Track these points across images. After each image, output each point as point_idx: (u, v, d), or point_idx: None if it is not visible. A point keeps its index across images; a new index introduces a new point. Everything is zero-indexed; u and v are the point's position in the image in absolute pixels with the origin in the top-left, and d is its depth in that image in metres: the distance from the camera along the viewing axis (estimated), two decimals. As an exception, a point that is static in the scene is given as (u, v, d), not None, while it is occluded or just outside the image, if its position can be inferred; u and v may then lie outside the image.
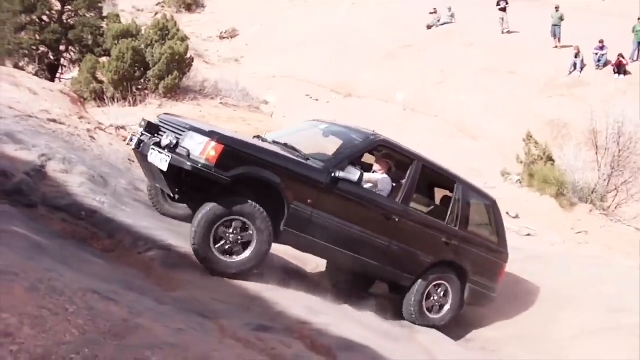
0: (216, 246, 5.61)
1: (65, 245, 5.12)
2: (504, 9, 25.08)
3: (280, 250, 7.05)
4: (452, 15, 26.42)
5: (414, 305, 6.86)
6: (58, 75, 21.19)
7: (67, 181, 6.47)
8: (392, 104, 22.50)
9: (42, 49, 20.76)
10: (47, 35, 20.37)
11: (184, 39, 19.43)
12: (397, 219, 6.50)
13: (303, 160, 6.04)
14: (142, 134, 6.16)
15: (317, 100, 23.12)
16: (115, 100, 17.15)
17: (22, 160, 6.33)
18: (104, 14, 21.57)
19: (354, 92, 23.98)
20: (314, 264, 8.34)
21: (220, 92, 19.80)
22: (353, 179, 6.00)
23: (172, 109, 16.55)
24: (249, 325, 4.65)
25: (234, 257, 5.71)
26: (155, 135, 6.02)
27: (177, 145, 5.61)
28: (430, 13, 26.38)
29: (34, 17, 20.61)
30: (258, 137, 6.88)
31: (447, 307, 7.08)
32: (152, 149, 5.72)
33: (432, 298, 6.98)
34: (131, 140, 6.26)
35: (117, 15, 21.75)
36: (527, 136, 18.19)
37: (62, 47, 21.19)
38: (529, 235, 14.21)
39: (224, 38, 28.14)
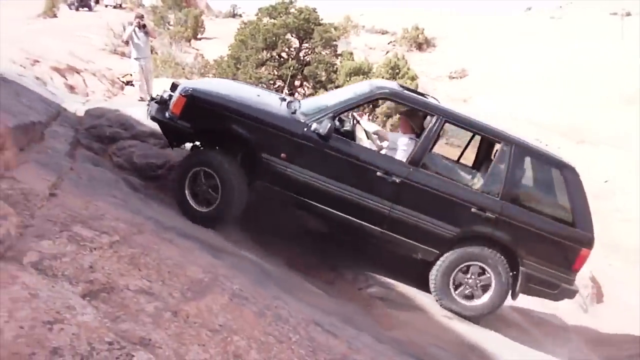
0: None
1: (291, 275, 5.35)
2: None
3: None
4: None
5: (437, 284, 5.76)
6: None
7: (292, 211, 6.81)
8: (631, 153, 20.54)
9: (279, 83, 22.34)
10: (285, 71, 21.93)
11: (414, 77, 19.74)
12: (398, 181, 5.57)
13: (283, 114, 5.69)
14: (168, 93, 6.19)
15: (547, 145, 21.96)
16: (344, 136, 17.87)
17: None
18: (339, 52, 22.67)
19: (587, 137, 22.36)
20: (536, 318, 7.86)
21: (446, 132, 19.71)
22: (321, 132, 5.43)
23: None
24: (466, 375, 4.46)
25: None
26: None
27: (168, 100, 5.87)
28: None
29: (274, 54, 22.32)
30: (283, 99, 6.34)
31: (487, 294, 5.79)
32: (149, 103, 6.03)
33: (464, 280, 5.80)
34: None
35: (351, 53, 22.76)
36: None
37: (297, 82, 22.61)
38: None
39: (454, 77, 28.06)
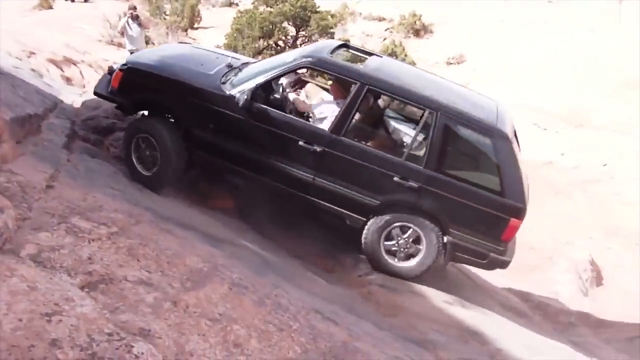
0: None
1: (291, 262, 5.35)
2: None
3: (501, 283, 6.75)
4: None
5: (369, 245, 5.67)
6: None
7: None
8: (631, 138, 20.48)
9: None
10: (281, 59, 21.76)
11: (411, 64, 19.67)
12: (319, 150, 5.51)
13: (210, 85, 5.73)
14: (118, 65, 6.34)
15: (545, 129, 21.91)
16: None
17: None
18: (336, 39, 22.58)
19: (586, 122, 22.29)
20: (535, 302, 7.89)
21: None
22: (240, 104, 5.51)
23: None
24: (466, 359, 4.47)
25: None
26: None
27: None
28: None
29: (271, 42, 22.18)
30: (230, 66, 6.23)
31: (418, 257, 5.62)
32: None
33: (396, 241, 5.65)
34: None
35: (348, 41, 22.68)
36: None
37: (294, 70, 22.47)
38: None
39: (451, 63, 27.92)
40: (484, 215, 5.49)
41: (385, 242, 5.66)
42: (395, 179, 5.49)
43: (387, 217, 5.60)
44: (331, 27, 22.67)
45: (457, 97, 5.94)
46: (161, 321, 2.96)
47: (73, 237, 3.44)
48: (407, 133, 5.92)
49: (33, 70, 9.38)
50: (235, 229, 5.58)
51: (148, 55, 6.48)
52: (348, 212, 5.67)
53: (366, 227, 5.66)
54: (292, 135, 5.57)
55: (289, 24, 22.41)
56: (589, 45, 25.86)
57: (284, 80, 6.16)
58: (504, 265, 5.74)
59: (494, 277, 8.34)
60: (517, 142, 5.99)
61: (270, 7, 22.34)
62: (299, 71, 6.25)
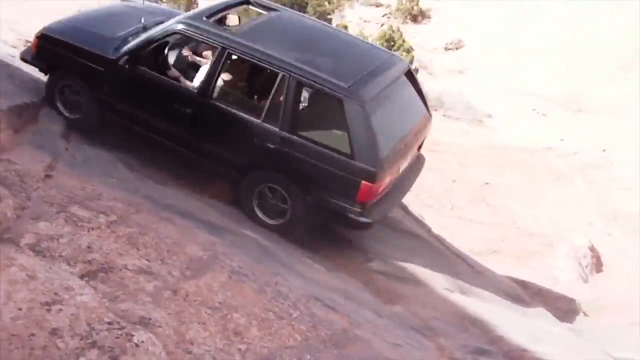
0: None
1: (291, 251, 5.34)
2: None
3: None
4: None
5: (243, 201, 5.84)
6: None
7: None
8: (631, 122, 20.44)
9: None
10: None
11: (409, 50, 19.58)
12: (189, 111, 5.77)
13: (103, 49, 6.00)
14: None
15: (544, 115, 21.85)
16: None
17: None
18: (333, 25, 22.49)
19: (584, 106, 22.21)
20: (535, 288, 7.89)
21: (443, 104, 19.59)
22: (120, 63, 5.87)
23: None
24: (467, 347, 4.46)
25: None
26: None
27: None
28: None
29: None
30: (144, 27, 6.34)
31: (287, 216, 5.67)
32: None
33: (267, 200, 5.76)
34: None
35: (345, 27, 22.55)
36: None
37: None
38: None
39: (449, 49, 27.79)
40: (336, 178, 5.50)
41: (258, 200, 5.78)
42: (255, 140, 5.63)
43: (256, 176, 5.76)
44: (328, 13, 22.59)
45: (333, 54, 6.08)
46: (161, 310, 2.95)
47: (72, 226, 3.42)
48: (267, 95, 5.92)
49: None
50: (234, 218, 5.57)
51: (67, 20, 6.67)
52: (222, 169, 5.90)
53: (241, 185, 5.82)
54: (168, 97, 5.85)
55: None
56: (587, 29, 25.76)
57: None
58: (365, 226, 5.67)
59: (494, 264, 8.35)
60: (423, 102, 6.44)
61: (270, -4, 22.17)
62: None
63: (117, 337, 2.54)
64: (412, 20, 31.09)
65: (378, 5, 31.82)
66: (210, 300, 3.24)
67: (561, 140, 17.06)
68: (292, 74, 5.52)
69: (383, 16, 31.51)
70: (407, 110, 6.32)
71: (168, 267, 3.42)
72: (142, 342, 2.58)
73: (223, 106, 5.73)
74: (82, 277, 2.95)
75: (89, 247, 3.26)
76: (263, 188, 5.73)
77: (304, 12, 21.90)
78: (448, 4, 31.90)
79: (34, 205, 3.55)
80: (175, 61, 6.33)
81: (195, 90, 5.80)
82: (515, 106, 21.79)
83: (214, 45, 5.80)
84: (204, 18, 6.02)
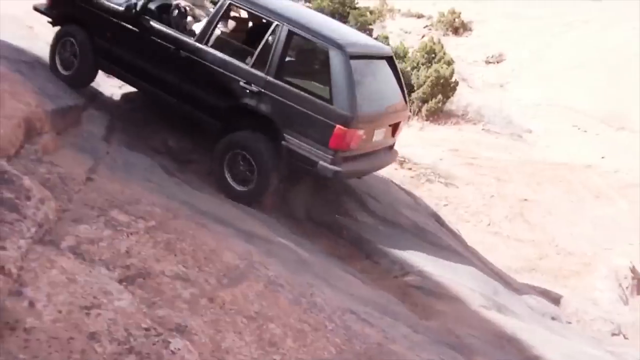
0: None
1: (327, 262, 5.31)
2: None
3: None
4: None
5: (214, 171, 6.27)
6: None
7: (331, 199, 6.77)
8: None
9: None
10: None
11: (449, 62, 19.41)
12: (184, 55, 6.26)
13: (114, 4, 6.54)
14: None
15: (585, 131, 21.46)
16: (379, 121, 17.64)
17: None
18: (374, 36, 22.41)
19: (627, 124, 21.73)
20: (573, 309, 7.73)
21: (482, 117, 19.38)
22: (129, 10, 6.41)
23: (433, 133, 16.61)
24: (503, 366, 4.39)
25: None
26: None
27: None
28: None
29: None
30: None
31: (254, 178, 6.04)
32: None
33: (237, 167, 6.13)
34: None
35: (386, 37, 22.46)
36: None
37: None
38: None
39: (490, 62, 27.52)
40: (313, 121, 5.86)
41: (228, 167, 6.13)
42: (241, 83, 6.04)
43: (228, 140, 6.11)
44: (370, 24, 22.57)
45: (324, 23, 6.69)
46: (198, 317, 2.94)
47: (112, 230, 3.44)
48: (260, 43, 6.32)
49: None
50: (270, 226, 5.56)
51: None
52: (204, 115, 6.28)
53: (214, 152, 6.21)
54: (167, 42, 6.35)
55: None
56: (630, 45, 25.27)
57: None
58: (333, 175, 5.90)
59: (531, 282, 8.20)
60: (401, 90, 6.77)
61: (309, 2, 22.31)
62: None
63: (154, 344, 2.53)
64: (453, 33, 30.87)
65: (419, 17, 31.69)
66: (246, 310, 3.22)
67: (602, 158, 16.75)
68: (284, 24, 6.05)
69: (424, 27, 31.36)
70: (385, 89, 6.74)
71: (205, 274, 3.41)
72: (179, 349, 2.56)
73: (216, 52, 6.22)
74: (120, 281, 2.96)
75: (127, 251, 3.27)
76: (234, 155, 6.08)
77: (346, 22, 21.91)
78: (489, 16, 31.66)
79: (75, 208, 3.58)
80: (177, 15, 6.91)
81: (194, 38, 6.29)
82: (555, 122, 21.47)
83: None
84: None
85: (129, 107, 7.19)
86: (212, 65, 6.16)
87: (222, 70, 6.12)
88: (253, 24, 7.04)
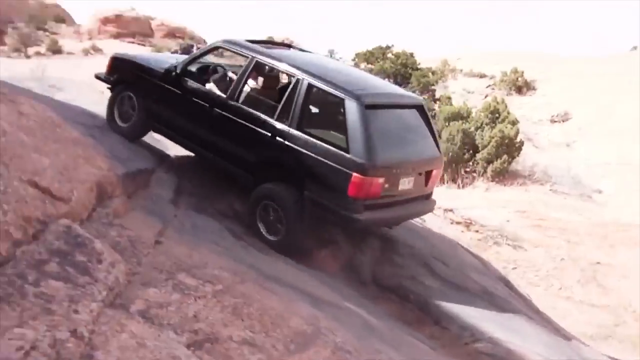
0: None
1: (394, 327, 5.17)
2: None
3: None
4: None
5: (250, 222, 6.33)
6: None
7: (398, 262, 6.65)
8: None
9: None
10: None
11: (514, 122, 19.18)
12: (216, 113, 6.55)
13: (155, 67, 7.10)
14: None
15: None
16: (444, 182, 17.47)
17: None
18: (437, 96, 22.45)
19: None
20: None
21: (549, 177, 18.94)
22: (169, 72, 6.90)
23: (499, 194, 16.30)
24: None
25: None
26: None
27: None
28: None
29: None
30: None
31: (283, 228, 6.13)
32: None
33: (266, 217, 6.22)
34: None
35: (449, 97, 22.45)
36: None
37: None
38: None
39: (555, 121, 27.10)
40: (332, 170, 5.95)
41: (261, 215, 6.24)
42: (268, 136, 6.29)
43: (257, 192, 6.27)
44: (432, 84, 22.66)
45: (345, 74, 6.98)
46: (265, 385, 2.87)
47: (180, 293, 3.45)
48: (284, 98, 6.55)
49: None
50: (336, 289, 5.48)
51: (134, 52, 8.10)
52: (238, 170, 6.53)
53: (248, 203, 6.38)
54: (202, 100, 6.71)
55: (389, 81, 22.64)
56: None
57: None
58: (354, 223, 5.98)
59: (608, 350, 7.78)
60: (434, 140, 6.81)
61: (371, 64, 22.65)
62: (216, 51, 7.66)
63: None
64: (516, 92, 30.70)
65: (482, 76, 31.67)
66: (313, 377, 3.14)
67: (675, 218, 16.01)
68: (305, 77, 6.31)
69: (487, 87, 31.31)
70: (414, 138, 6.78)
71: (272, 340, 3.36)
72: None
73: (244, 107, 6.53)
74: (188, 346, 2.93)
75: (195, 315, 3.26)
76: (264, 206, 6.20)
77: (408, 83, 22.09)
78: (553, 75, 31.36)
79: (144, 271, 3.62)
80: (214, 78, 7.23)
81: (225, 95, 6.62)
82: (625, 181, 20.78)
83: (245, 55, 6.77)
84: (243, 40, 7.11)
85: (196, 169, 7.31)
86: (242, 121, 6.46)
87: (251, 125, 6.40)
88: (278, 79, 7.39)
